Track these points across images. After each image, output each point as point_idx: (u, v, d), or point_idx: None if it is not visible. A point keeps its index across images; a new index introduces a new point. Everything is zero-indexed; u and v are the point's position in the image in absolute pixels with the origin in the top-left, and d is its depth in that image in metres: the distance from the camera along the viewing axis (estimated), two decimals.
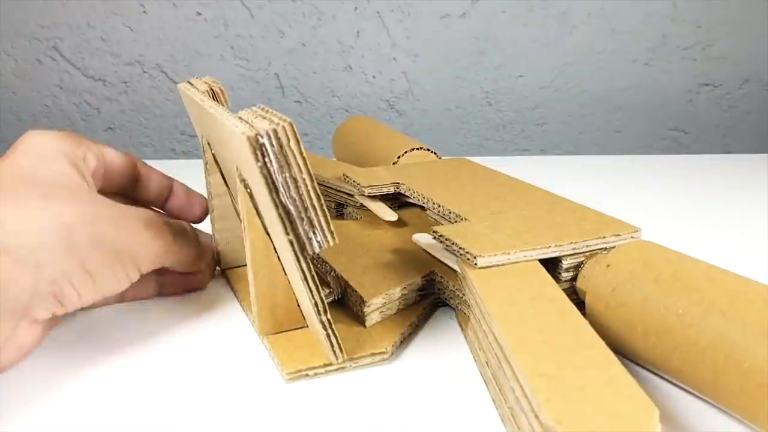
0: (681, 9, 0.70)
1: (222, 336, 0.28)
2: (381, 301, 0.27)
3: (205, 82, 0.32)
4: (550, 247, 0.26)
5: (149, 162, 0.60)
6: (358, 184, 0.36)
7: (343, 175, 0.38)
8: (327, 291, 0.28)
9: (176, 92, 0.69)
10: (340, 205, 0.40)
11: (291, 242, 0.21)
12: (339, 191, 0.39)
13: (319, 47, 0.69)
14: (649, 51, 0.71)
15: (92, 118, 0.69)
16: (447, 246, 0.27)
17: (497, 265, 0.25)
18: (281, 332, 0.27)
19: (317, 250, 0.22)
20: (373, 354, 0.25)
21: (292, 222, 0.21)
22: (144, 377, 0.25)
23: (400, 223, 0.36)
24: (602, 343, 0.20)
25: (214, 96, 0.32)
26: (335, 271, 0.29)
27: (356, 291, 0.28)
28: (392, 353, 0.26)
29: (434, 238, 0.28)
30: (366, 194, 0.36)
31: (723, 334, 0.20)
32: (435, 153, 0.43)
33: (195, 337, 0.28)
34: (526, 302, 0.22)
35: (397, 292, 0.28)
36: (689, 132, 0.75)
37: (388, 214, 0.35)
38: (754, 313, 0.20)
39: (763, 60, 0.72)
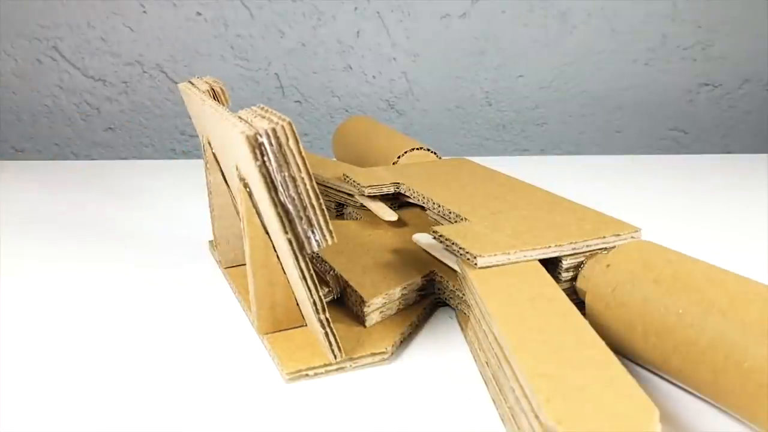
0: (681, 9, 0.70)
1: (221, 335, 0.28)
2: (381, 301, 0.27)
3: (206, 82, 0.32)
4: (550, 247, 0.26)
5: (149, 162, 0.60)
6: (358, 184, 0.36)
7: (343, 175, 0.38)
8: (326, 290, 0.28)
9: (176, 92, 0.69)
10: (340, 205, 0.40)
11: (290, 241, 0.22)
12: (339, 191, 0.39)
13: (319, 47, 0.69)
14: (649, 51, 0.71)
15: (92, 118, 0.69)
16: (447, 246, 0.27)
17: (497, 265, 0.25)
18: (280, 331, 0.27)
19: (316, 249, 0.22)
20: (373, 354, 0.25)
21: (290, 221, 0.21)
22: (143, 377, 0.25)
23: (400, 223, 0.36)
24: (602, 343, 0.19)
25: (215, 95, 0.32)
26: (334, 271, 0.29)
27: (356, 291, 0.28)
28: (392, 353, 0.26)
29: (434, 238, 0.28)
30: (366, 194, 0.36)
31: (723, 334, 0.20)
32: (435, 153, 0.43)
33: (194, 336, 0.28)
34: (526, 302, 0.22)
35: (397, 292, 0.28)
36: (689, 132, 0.75)
37: (388, 214, 0.35)
38: (754, 313, 0.20)
39: (763, 60, 0.72)
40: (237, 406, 0.23)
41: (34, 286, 0.34)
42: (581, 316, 0.21)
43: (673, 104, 0.73)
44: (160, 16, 0.66)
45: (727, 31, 0.71)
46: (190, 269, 0.36)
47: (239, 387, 0.24)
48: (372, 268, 0.30)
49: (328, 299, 0.28)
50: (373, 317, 0.27)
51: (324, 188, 0.40)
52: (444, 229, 0.28)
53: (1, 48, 0.66)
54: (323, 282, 0.29)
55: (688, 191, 0.53)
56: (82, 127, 0.69)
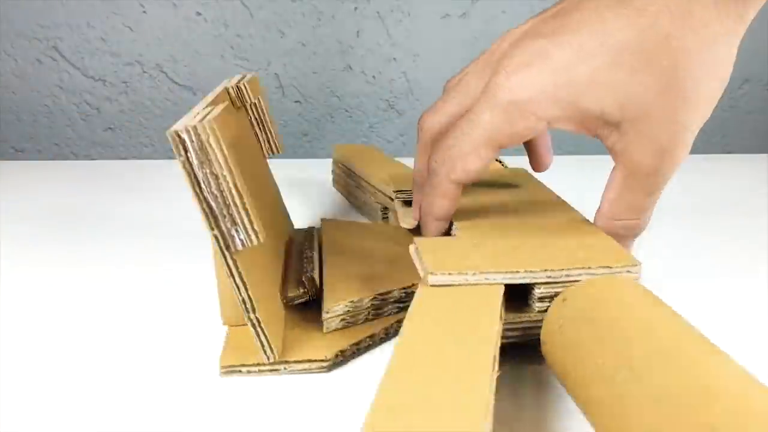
0: None
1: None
2: (343, 309, 0.27)
3: (237, 81, 0.33)
4: (518, 272, 0.24)
5: (149, 162, 0.59)
6: (391, 187, 0.36)
7: (388, 177, 0.38)
8: (301, 291, 0.28)
9: (176, 92, 0.69)
10: (385, 208, 0.40)
11: (216, 237, 0.22)
12: (384, 194, 0.39)
13: (319, 47, 0.69)
14: None
15: (92, 118, 0.69)
16: (418, 258, 0.26)
17: (452, 285, 0.23)
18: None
19: (240, 247, 0.22)
20: (310, 361, 0.25)
21: (215, 218, 0.22)
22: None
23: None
24: (484, 390, 0.17)
25: (238, 94, 0.32)
26: (310, 272, 0.29)
27: (324, 295, 0.27)
28: (333, 362, 0.25)
29: (414, 250, 0.27)
30: (394, 198, 0.36)
31: (623, 394, 0.17)
32: (500, 162, 0.43)
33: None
34: (445, 327, 0.21)
35: (365, 301, 0.28)
36: None
37: (407, 221, 0.35)
38: (661, 376, 0.17)
39: (763, 60, 0.72)
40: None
41: (35, 285, 0.34)
42: (491, 355, 0.19)
43: None
44: (160, 16, 0.66)
45: None
46: (192, 267, 0.36)
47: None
48: (359, 273, 0.30)
49: (301, 300, 0.28)
50: (331, 324, 0.27)
51: (374, 190, 0.40)
52: (423, 241, 0.27)
53: (1, 48, 0.66)
54: (300, 283, 0.29)
55: (688, 191, 0.53)
56: (82, 127, 0.69)
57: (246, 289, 0.23)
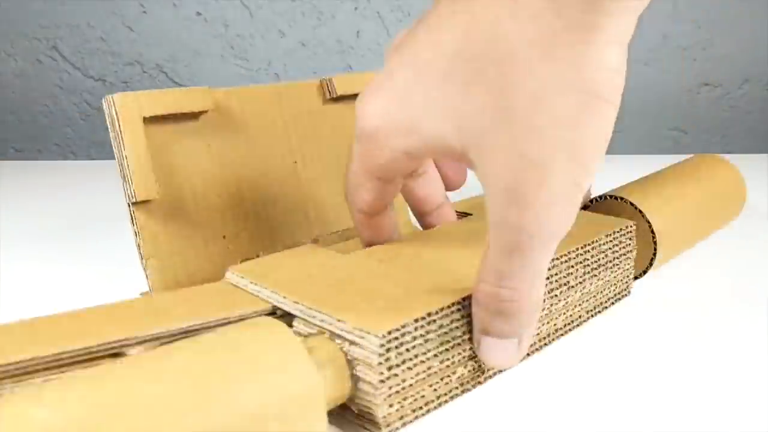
0: (681, 9, 0.70)
1: None
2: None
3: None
4: (280, 295, 0.22)
5: None
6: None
7: None
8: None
9: None
10: None
11: (124, 188, 0.26)
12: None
13: (319, 47, 0.69)
14: (649, 51, 0.71)
15: (92, 118, 0.69)
16: None
17: (237, 287, 0.24)
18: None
19: (128, 200, 0.26)
20: None
21: (122, 170, 0.26)
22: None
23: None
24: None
25: (328, 87, 0.34)
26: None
27: None
28: None
29: None
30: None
31: None
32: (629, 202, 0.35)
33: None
34: (139, 315, 0.22)
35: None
36: (689, 132, 0.75)
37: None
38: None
39: (763, 60, 0.72)
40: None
41: (34, 285, 0.34)
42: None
43: (673, 104, 0.73)
44: (160, 16, 0.66)
45: (727, 31, 0.71)
46: None
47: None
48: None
49: None
50: None
51: None
52: (306, 247, 0.27)
53: (1, 48, 0.66)
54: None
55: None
56: (82, 127, 0.69)
57: (140, 237, 0.27)
